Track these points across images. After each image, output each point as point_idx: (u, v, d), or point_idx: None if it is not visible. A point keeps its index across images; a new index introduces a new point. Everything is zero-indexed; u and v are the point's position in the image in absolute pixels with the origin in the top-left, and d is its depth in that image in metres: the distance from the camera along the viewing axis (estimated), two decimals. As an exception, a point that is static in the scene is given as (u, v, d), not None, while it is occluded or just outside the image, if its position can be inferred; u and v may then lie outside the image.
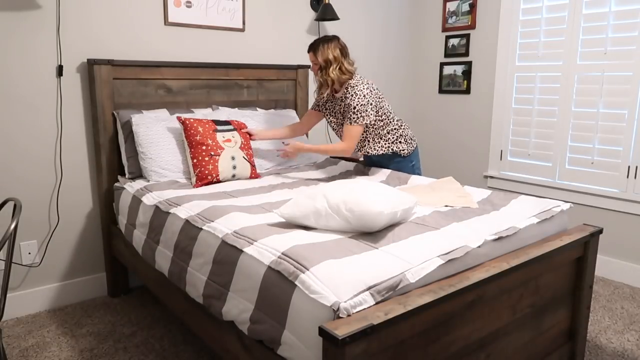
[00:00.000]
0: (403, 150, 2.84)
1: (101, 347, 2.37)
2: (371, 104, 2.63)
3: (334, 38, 2.68)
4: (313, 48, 2.68)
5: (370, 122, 2.66)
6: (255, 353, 1.58)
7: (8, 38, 2.46)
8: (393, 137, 2.80)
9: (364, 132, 2.75)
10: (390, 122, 2.77)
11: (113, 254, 2.83)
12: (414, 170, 2.89)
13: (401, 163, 2.85)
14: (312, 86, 3.67)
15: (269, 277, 1.52)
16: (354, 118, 2.62)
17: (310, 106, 3.10)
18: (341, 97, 2.72)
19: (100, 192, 2.77)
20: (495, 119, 3.77)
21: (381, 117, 2.72)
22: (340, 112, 2.77)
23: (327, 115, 2.88)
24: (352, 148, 2.68)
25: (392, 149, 2.81)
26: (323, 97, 2.79)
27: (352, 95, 2.62)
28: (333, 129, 2.90)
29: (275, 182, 2.63)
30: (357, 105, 2.61)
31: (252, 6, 3.29)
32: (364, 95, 2.61)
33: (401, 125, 2.83)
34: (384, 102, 2.74)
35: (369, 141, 2.80)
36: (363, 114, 2.61)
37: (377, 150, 2.81)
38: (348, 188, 1.73)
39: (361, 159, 3.12)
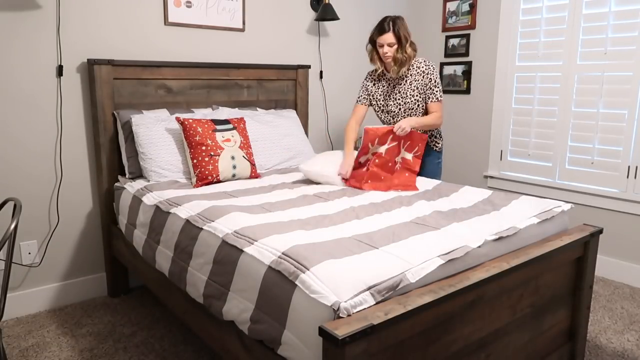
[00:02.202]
0: (438, 144, 2.89)
1: (101, 347, 2.37)
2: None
3: (399, 16, 2.72)
4: (389, 28, 2.66)
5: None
6: (256, 353, 1.58)
7: (8, 38, 2.46)
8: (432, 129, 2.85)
9: (414, 111, 2.80)
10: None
11: (113, 254, 2.83)
12: (438, 168, 2.92)
13: (430, 157, 2.87)
14: (313, 86, 3.68)
15: (269, 277, 1.52)
16: (437, 92, 2.75)
17: (304, 106, 3.03)
18: (406, 73, 2.76)
19: (101, 192, 2.77)
20: (495, 119, 3.77)
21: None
22: (406, 88, 2.78)
23: (377, 98, 2.89)
24: (442, 117, 2.81)
25: (427, 141, 2.83)
26: (371, 84, 2.89)
27: (430, 69, 2.74)
28: (382, 111, 2.90)
29: (275, 182, 2.63)
30: (437, 79, 2.74)
31: (252, 6, 3.29)
32: (437, 71, 2.76)
33: None
34: None
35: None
36: (440, 87, 2.77)
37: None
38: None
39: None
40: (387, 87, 2.86)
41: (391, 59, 2.71)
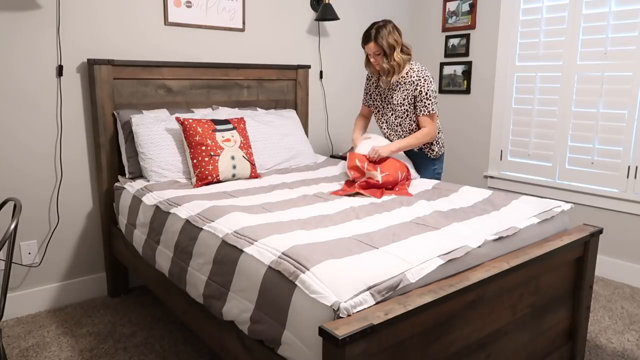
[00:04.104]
0: (433, 151, 2.81)
1: (101, 347, 2.37)
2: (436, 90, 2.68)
3: (388, 21, 2.61)
4: (372, 37, 2.56)
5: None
6: (256, 353, 1.58)
7: (8, 38, 2.46)
8: None
9: (404, 121, 2.74)
10: None
11: (113, 254, 2.83)
12: (434, 175, 2.86)
13: (424, 164, 2.83)
14: (313, 86, 3.68)
15: (269, 277, 1.52)
16: (428, 105, 2.63)
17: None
18: (399, 81, 2.67)
19: (101, 192, 2.77)
20: (495, 119, 3.77)
21: None
22: (397, 97, 2.70)
23: (376, 102, 2.85)
24: (435, 131, 2.70)
25: (421, 147, 2.80)
26: (372, 86, 2.82)
27: (421, 81, 2.61)
28: (381, 115, 2.85)
29: (275, 182, 2.63)
30: (428, 90, 2.61)
31: (252, 6, 3.29)
32: (432, 80, 2.64)
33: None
34: None
35: (406, 131, 2.76)
36: (435, 99, 2.63)
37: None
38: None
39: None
40: (384, 93, 2.81)
41: (379, 67, 2.65)
